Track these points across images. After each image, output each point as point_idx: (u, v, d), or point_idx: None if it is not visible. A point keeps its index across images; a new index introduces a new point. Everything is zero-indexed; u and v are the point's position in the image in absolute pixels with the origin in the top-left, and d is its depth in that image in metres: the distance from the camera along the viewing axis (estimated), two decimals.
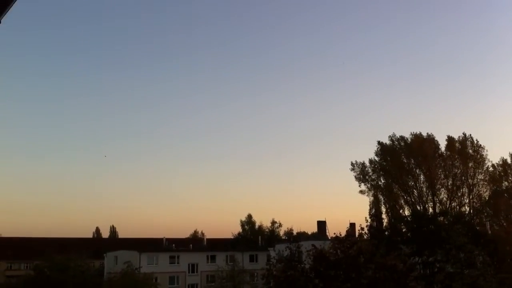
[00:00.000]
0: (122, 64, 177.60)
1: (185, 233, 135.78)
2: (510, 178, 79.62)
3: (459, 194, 77.59)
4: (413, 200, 77.89)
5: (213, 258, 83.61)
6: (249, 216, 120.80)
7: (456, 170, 77.67)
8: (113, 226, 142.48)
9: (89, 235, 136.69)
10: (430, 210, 74.41)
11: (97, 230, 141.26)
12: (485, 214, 77.21)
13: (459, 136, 78.88)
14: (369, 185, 79.86)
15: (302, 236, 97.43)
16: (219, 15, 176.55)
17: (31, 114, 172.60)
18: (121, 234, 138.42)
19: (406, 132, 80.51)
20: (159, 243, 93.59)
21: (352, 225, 54.86)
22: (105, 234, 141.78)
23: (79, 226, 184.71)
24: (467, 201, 77.98)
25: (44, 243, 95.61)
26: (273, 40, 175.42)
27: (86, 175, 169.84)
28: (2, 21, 5.84)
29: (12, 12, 5.74)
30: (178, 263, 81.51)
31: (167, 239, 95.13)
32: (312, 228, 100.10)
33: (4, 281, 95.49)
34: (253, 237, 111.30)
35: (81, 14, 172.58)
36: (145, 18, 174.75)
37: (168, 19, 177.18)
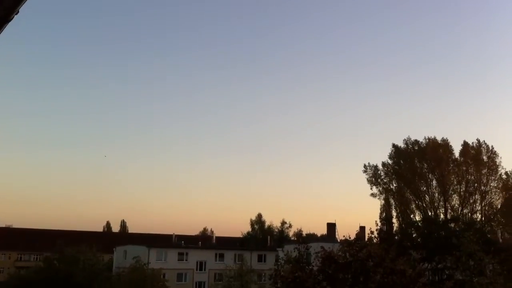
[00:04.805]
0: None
1: (194, 230, 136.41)
2: None
3: (471, 201, 76.92)
4: (424, 205, 77.38)
5: (221, 257, 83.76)
6: (259, 216, 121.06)
7: (469, 177, 77.00)
8: (123, 220, 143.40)
9: (100, 229, 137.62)
10: (442, 216, 73.94)
11: (108, 224, 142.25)
12: (497, 222, 76.50)
13: (473, 142, 78.23)
14: (380, 188, 79.53)
15: (312, 237, 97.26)
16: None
17: (42, 106, 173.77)
18: (131, 229, 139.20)
19: (421, 135, 79.96)
20: (169, 239, 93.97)
21: (362, 228, 54.46)
22: (116, 228, 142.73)
23: (90, 220, 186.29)
24: (479, 208, 77.28)
25: (55, 235, 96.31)
26: (283, 42, 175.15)
27: (99, 169, 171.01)
28: None
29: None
30: (186, 260, 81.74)
31: (176, 236, 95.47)
32: (321, 230, 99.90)
33: (14, 272, 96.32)
34: (262, 236, 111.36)
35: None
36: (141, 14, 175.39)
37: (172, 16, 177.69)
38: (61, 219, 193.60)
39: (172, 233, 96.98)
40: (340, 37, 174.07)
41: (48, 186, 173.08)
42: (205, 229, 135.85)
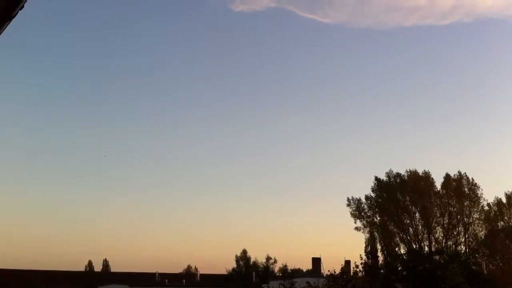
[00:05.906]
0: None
1: (178, 268, 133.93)
2: (505, 218, 79.35)
3: (455, 233, 77.18)
4: (408, 238, 77.42)
5: None
6: (244, 252, 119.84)
7: (452, 209, 77.46)
8: (105, 259, 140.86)
9: (81, 268, 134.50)
10: (426, 248, 73.94)
11: (90, 263, 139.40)
12: (481, 253, 76.69)
13: (454, 174, 78.92)
14: (364, 222, 79.31)
15: (297, 272, 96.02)
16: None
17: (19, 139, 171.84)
18: (114, 268, 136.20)
19: (403, 168, 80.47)
20: (152, 277, 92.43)
21: (347, 263, 54.36)
22: (98, 267, 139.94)
23: (71, 259, 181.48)
24: (463, 240, 77.51)
25: (34, 275, 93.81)
26: (268, 79, 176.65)
27: (79, 206, 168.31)
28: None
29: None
30: None
31: (160, 274, 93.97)
32: (307, 265, 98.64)
33: None
34: (247, 273, 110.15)
35: None
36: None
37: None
38: (40, 259, 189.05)
39: (155, 271, 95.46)
40: (320, 69, 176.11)
41: (26, 224, 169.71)
42: (189, 267, 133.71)
